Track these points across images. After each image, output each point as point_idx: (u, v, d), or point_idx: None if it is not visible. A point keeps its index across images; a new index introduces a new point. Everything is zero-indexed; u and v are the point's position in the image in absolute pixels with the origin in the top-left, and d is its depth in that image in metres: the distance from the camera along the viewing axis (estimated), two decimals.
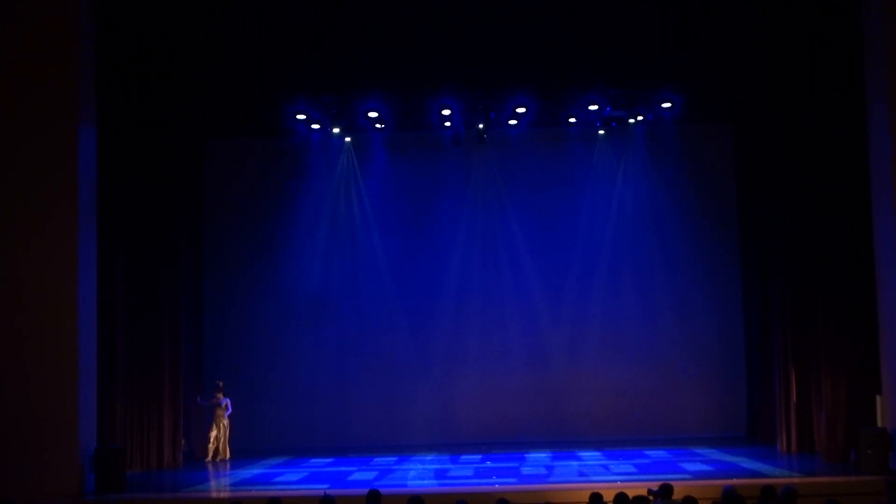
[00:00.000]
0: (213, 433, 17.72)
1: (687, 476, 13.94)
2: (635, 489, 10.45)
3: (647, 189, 19.63)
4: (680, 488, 10.78)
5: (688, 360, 19.42)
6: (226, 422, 17.80)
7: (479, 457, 17.03)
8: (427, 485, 14.05)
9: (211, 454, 17.64)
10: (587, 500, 9.95)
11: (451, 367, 19.59)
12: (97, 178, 14.55)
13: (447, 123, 18.52)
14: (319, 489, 13.18)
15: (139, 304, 16.58)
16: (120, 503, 13.57)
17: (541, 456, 16.91)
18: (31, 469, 13.38)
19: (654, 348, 19.50)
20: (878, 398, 14.61)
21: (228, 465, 17.05)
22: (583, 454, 16.98)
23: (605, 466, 15.48)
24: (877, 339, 14.48)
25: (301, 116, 18.00)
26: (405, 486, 13.96)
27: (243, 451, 18.05)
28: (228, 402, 17.88)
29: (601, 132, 19.38)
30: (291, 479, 15.08)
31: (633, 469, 15.00)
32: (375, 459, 17.07)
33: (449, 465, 16.21)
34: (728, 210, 19.35)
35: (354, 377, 19.56)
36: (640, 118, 18.73)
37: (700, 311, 19.51)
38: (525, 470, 15.45)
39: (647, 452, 16.91)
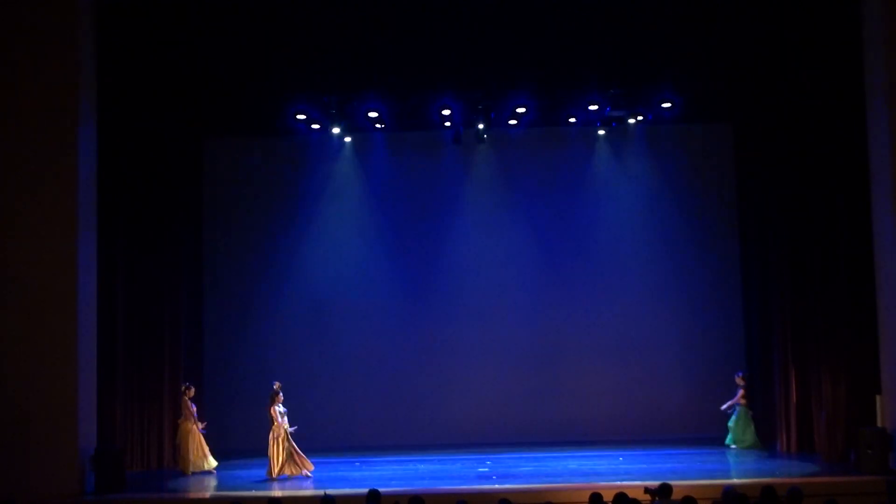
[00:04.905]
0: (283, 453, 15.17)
1: (687, 476, 13.93)
2: (635, 489, 10.45)
3: (647, 189, 19.59)
4: (680, 488, 10.77)
5: (688, 359, 19.39)
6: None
7: (480, 457, 17.03)
8: (427, 485, 14.06)
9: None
10: (587, 500, 9.95)
11: (451, 366, 19.53)
12: (97, 177, 14.55)
13: (447, 123, 18.48)
14: (319, 489, 13.18)
15: (139, 304, 16.59)
16: (120, 503, 13.58)
17: (541, 456, 16.89)
18: (31, 469, 13.37)
19: (654, 348, 19.45)
20: (878, 398, 14.60)
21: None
22: (583, 454, 16.96)
23: (606, 466, 15.47)
24: (877, 339, 14.48)
25: (301, 116, 17.96)
26: (405, 486, 13.95)
27: (243, 451, 18.01)
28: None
29: (601, 132, 19.34)
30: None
31: (633, 469, 15.00)
32: (376, 459, 17.05)
33: (449, 465, 16.20)
34: (728, 210, 19.30)
35: (354, 377, 19.51)
36: (640, 118, 18.71)
37: (700, 311, 19.47)
38: (525, 470, 15.45)
39: (646, 452, 16.89)
